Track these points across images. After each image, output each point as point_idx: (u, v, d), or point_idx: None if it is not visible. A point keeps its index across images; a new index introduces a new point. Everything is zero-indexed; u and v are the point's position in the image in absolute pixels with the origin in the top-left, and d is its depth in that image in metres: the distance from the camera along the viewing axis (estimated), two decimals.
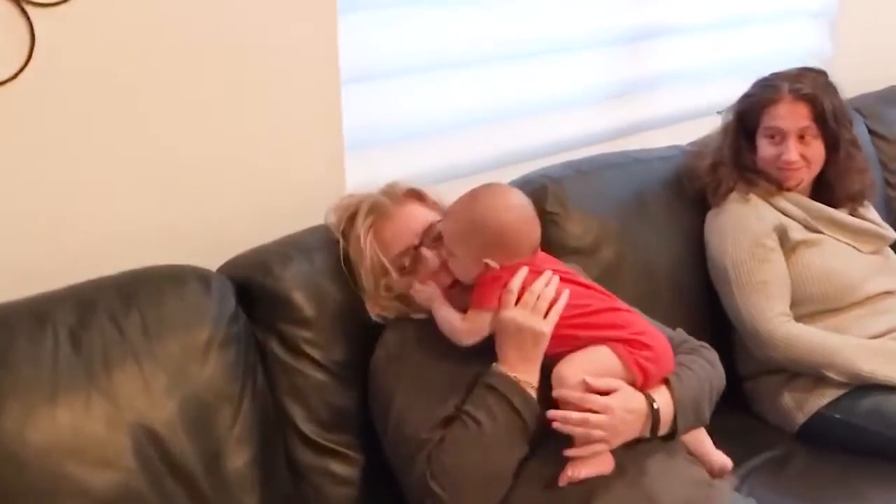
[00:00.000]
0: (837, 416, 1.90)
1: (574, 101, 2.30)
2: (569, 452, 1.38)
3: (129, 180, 1.56)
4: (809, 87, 2.00)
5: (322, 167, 1.82)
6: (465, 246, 1.46)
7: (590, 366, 1.41)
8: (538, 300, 1.42)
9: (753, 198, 2.02)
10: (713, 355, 1.60)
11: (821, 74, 2.06)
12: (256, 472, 1.43)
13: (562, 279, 1.47)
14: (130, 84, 1.53)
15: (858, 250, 2.05)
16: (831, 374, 1.90)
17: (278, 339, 1.52)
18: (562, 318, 1.43)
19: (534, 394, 1.40)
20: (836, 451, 1.85)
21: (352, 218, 1.59)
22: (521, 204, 1.49)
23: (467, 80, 2.10)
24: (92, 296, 1.39)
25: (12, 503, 1.23)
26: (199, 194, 1.65)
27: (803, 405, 1.94)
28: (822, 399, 1.92)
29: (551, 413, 1.38)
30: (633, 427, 1.42)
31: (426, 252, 1.53)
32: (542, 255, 1.52)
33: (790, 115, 1.99)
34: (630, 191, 2.02)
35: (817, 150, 2.01)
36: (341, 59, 1.77)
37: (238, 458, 1.41)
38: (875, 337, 1.97)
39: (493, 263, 1.44)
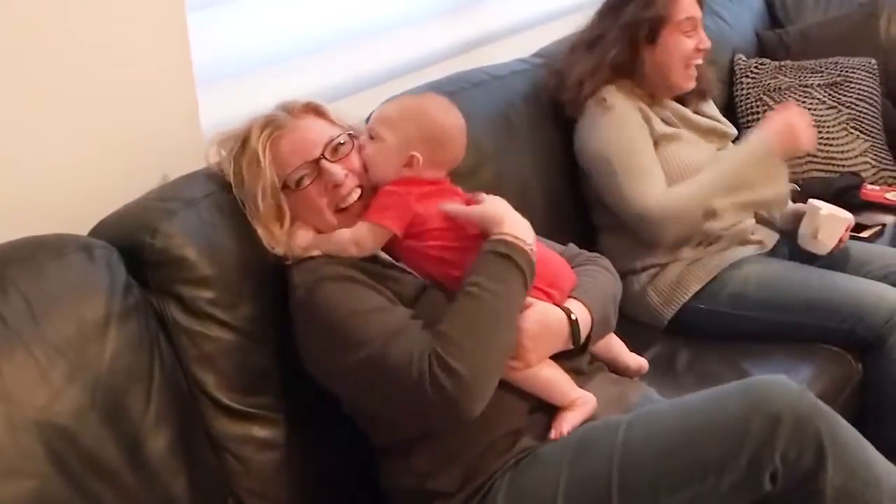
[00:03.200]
0: (702, 306, 2.00)
1: (414, 18, 2.22)
2: None
3: None
4: None
5: (174, 107, 1.62)
6: (399, 130, 1.44)
7: None
8: None
9: (616, 93, 2.02)
10: (607, 262, 1.62)
11: None
12: (179, 453, 1.29)
13: None
14: None
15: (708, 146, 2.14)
16: (718, 206, 1.95)
17: (178, 304, 1.37)
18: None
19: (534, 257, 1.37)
20: (711, 340, 1.95)
21: (244, 143, 1.45)
22: (463, 123, 1.51)
23: (306, 4, 1.97)
24: None
25: None
26: (33, 155, 1.40)
27: (670, 301, 2.02)
28: (685, 293, 2.01)
29: None
30: (555, 341, 1.41)
31: (328, 165, 1.42)
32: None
33: (694, 4, 2.05)
34: (495, 109, 1.99)
35: None
36: None
37: (158, 442, 1.27)
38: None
39: (418, 156, 1.43)
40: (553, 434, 1.36)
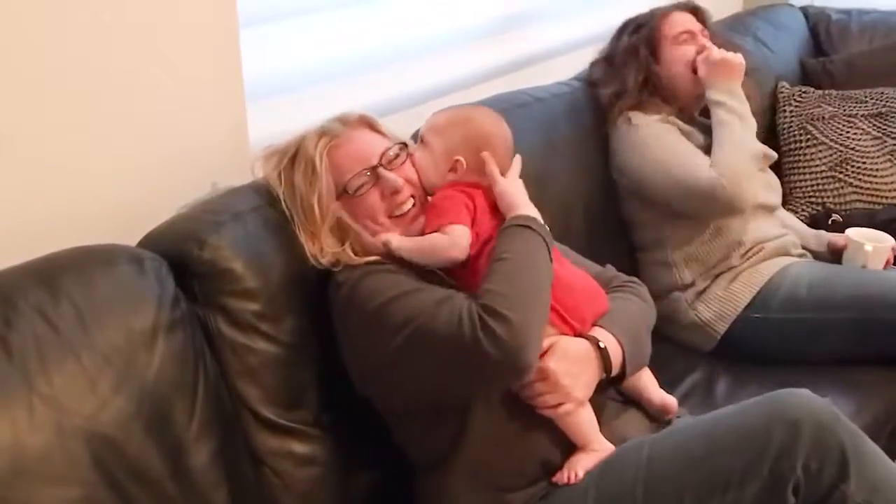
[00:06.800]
0: (756, 315, 1.97)
1: (460, 39, 2.23)
2: (543, 411, 1.37)
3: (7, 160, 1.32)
4: (687, 3, 2.15)
5: (223, 121, 1.64)
6: (445, 136, 1.50)
7: None
8: None
9: (644, 115, 2.05)
10: (644, 290, 1.61)
11: None
12: (221, 465, 1.29)
13: None
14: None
15: None
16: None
17: (224, 316, 1.37)
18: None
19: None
20: (756, 362, 1.93)
21: (293, 157, 1.47)
22: (509, 133, 1.55)
23: (353, 23, 1.98)
24: (9, 289, 1.18)
25: None
26: (85, 165, 1.42)
27: (722, 315, 1.99)
28: (738, 304, 1.98)
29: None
30: (589, 370, 1.40)
31: (385, 172, 1.45)
32: None
33: (688, 20, 2.11)
34: (536, 130, 2.00)
35: None
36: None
37: (201, 454, 1.27)
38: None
39: (462, 161, 1.47)
40: (564, 476, 1.36)
